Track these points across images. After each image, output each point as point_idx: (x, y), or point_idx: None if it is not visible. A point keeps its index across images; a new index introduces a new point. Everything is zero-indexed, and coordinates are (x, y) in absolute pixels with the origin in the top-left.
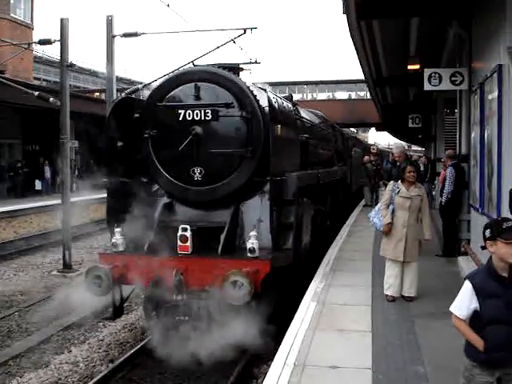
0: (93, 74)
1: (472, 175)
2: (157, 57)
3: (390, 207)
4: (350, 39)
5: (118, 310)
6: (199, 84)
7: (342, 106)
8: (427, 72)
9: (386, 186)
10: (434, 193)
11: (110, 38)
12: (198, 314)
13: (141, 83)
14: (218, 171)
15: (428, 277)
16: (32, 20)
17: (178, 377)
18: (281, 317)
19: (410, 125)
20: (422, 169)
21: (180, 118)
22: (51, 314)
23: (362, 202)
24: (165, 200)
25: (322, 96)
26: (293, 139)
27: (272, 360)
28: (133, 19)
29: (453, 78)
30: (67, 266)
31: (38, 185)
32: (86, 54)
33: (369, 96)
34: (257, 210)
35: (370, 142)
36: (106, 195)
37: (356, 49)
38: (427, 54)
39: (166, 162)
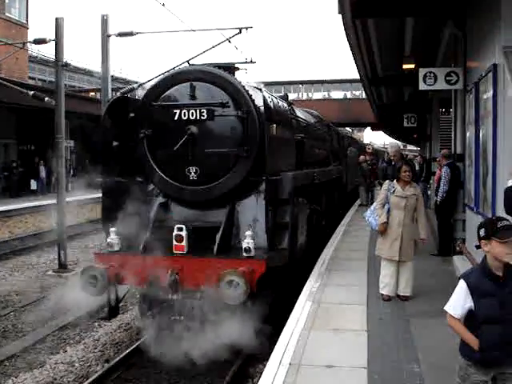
0: (88, 73)
1: (467, 175)
2: (152, 56)
3: (386, 207)
4: (346, 39)
5: (113, 310)
6: (194, 83)
7: (338, 106)
8: (422, 71)
9: (381, 185)
10: (429, 192)
11: (105, 37)
12: (194, 313)
13: (136, 83)
14: (214, 171)
15: (423, 276)
16: (27, 19)
17: (173, 376)
18: (276, 316)
19: (406, 124)
20: (417, 168)
21: (175, 118)
22: (46, 314)
23: (358, 202)
24: (160, 200)
25: (317, 95)
26: (288, 139)
27: (268, 359)
28: (128, 19)
29: (448, 78)
30: (62, 266)
31: (33, 184)
32: (82, 53)
33: (364, 95)
34: (252, 210)
35: (366, 141)
36: (101, 195)
37: (351, 48)
38: (422, 54)
39: (162, 162)
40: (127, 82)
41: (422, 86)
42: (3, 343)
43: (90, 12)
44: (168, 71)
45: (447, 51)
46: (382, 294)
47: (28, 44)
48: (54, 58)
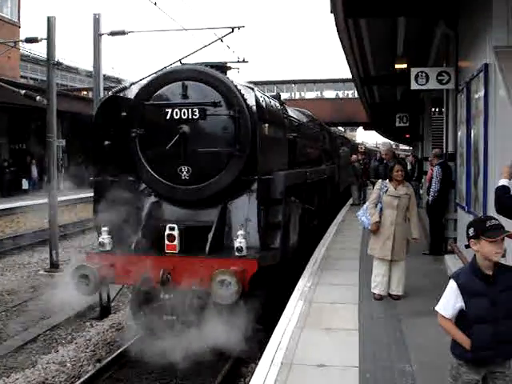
0: (80, 72)
1: (458, 174)
2: (144, 55)
3: (378, 206)
4: (338, 38)
5: (105, 310)
6: (186, 83)
7: (330, 105)
8: (414, 71)
9: (373, 184)
10: (421, 192)
11: (97, 36)
12: (185, 313)
13: (128, 81)
14: (206, 170)
15: (415, 275)
16: (19, 18)
17: (165, 376)
18: (268, 316)
19: (398, 124)
20: (409, 168)
21: (167, 117)
22: (38, 313)
23: (350, 201)
24: (152, 199)
25: (310, 95)
26: (280, 138)
27: (260, 359)
28: (120, 18)
29: (439, 77)
30: (54, 266)
31: (25, 184)
32: (74, 52)
33: (357, 95)
34: (244, 209)
35: (358, 141)
36: (92, 194)
37: (344, 48)
38: (414, 54)
39: (154, 161)
40: (119, 81)
41: (414, 86)
42: None
43: (81, 11)
44: (160, 70)
45: (439, 51)
46: (374, 294)
47: (20, 43)
48: (45, 56)
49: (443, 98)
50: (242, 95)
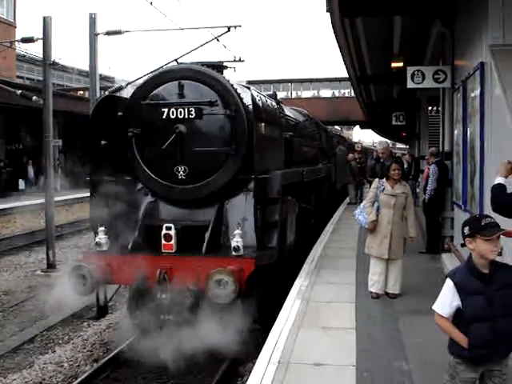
0: (77, 72)
1: (455, 173)
2: (141, 55)
3: (375, 205)
4: (334, 37)
5: (102, 310)
6: (183, 82)
7: (327, 104)
8: (410, 70)
9: (369, 183)
10: (417, 190)
11: (93, 36)
12: (183, 312)
13: (125, 81)
14: (202, 169)
15: (412, 274)
16: (15, 18)
17: (162, 376)
18: (265, 315)
19: (394, 122)
20: (405, 166)
21: (164, 116)
22: (35, 314)
23: (347, 200)
24: (149, 199)
25: (306, 94)
26: (277, 137)
27: (257, 358)
28: (116, 17)
29: (436, 76)
30: (51, 266)
31: (22, 184)
32: (70, 52)
33: (353, 94)
34: (241, 209)
35: (355, 139)
36: (89, 194)
37: (340, 47)
38: (411, 52)
39: (150, 161)
40: (113, 81)
41: (410, 85)
42: None
43: (77, 11)
44: (156, 70)
45: (435, 50)
46: (371, 292)
47: (16, 43)
48: (42, 56)
49: (439, 96)
50: (239, 94)
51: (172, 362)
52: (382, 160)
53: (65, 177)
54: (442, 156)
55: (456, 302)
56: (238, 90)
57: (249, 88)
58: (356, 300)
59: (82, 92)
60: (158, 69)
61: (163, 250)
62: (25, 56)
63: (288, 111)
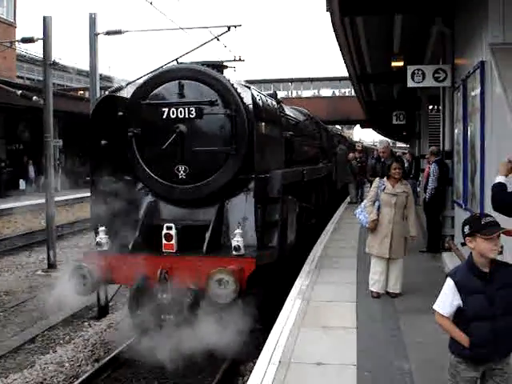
0: (77, 72)
1: (455, 171)
2: (141, 55)
3: (376, 204)
4: (334, 37)
5: (102, 310)
6: (183, 82)
7: (327, 104)
8: (410, 69)
9: (370, 182)
10: (418, 189)
11: (93, 35)
12: (183, 312)
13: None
14: (203, 169)
15: (412, 273)
16: (15, 18)
17: (163, 375)
18: (266, 314)
19: (395, 122)
20: (406, 165)
21: (164, 116)
22: (36, 313)
23: (348, 199)
24: (149, 198)
25: (306, 93)
26: (277, 137)
27: (258, 357)
28: (116, 17)
29: (436, 75)
30: (52, 266)
31: (22, 184)
32: (70, 52)
33: (353, 93)
34: (242, 208)
35: (355, 139)
36: (89, 194)
37: (340, 46)
38: (411, 51)
39: (151, 161)
40: (110, 79)
41: (411, 84)
42: None
43: (78, 11)
44: (157, 69)
45: (435, 49)
46: (372, 291)
47: (16, 43)
48: (42, 56)
49: (440, 95)
50: (239, 94)
51: (173, 361)
52: (382, 159)
53: (65, 177)
54: (443, 155)
55: (457, 301)
56: (239, 90)
57: (249, 87)
58: (357, 299)
59: (82, 92)
60: (158, 68)
61: (164, 250)
62: (25, 56)
63: (288, 111)
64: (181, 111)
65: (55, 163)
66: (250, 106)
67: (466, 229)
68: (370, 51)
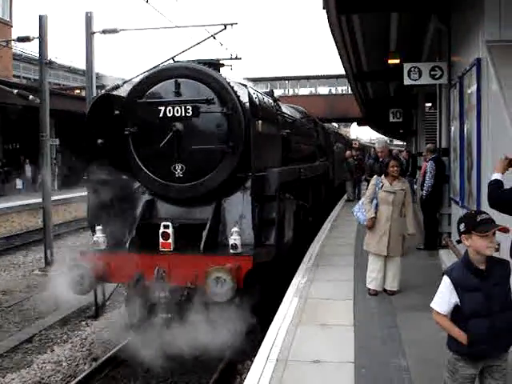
0: (73, 71)
1: (452, 169)
2: (137, 53)
3: (374, 202)
4: (331, 34)
5: (100, 309)
6: (179, 80)
7: (324, 101)
8: (407, 66)
9: (368, 182)
10: (415, 187)
11: (89, 34)
12: (181, 310)
13: (121, 80)
14: (200, 168)
15: (410, 270)
16: (11, 17)
17: (161, 374)
18: (264, 312)
19: (391, 119)
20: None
21: (160, 115)
22: (33, 313)
23: (345, 197)
24: (146, 197)
25: (303, 91)
26: (274, 135)
27: (255, 355)
28: (112, 16)
29: (432, 72)
30: (49, 265)
31: (19, 183)
32: (67, 51)
33: (350, 91)
34: (239, 206)
35: (352, 136)
36: (86, 193)
37: (336, 44)
38: (408, 49)
39: (147, 159)
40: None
41: (407, 81)
42: None
43: (73, 9)
44: (153, 68)
45: (432, 46)
46: (369, 289)
47: (12, 42)
48: (38, 55)
49: (436, 92)
50: (235, 92)
51: (170, 360)
52: (380, 159)
53: (62, 176)
54: (439, 152)
55: (454, 298)
56: (235, 88)
57: (245, 86)
58: (354, 297)
59: (78, 91)
60: (155, 67)
61: (161, 249)
62: (21, 55)
63: (285, 109)
64: (177, 110)
65: (52, 162)
66: (247, 105)
67: (462, 226)
68: (366, 49)
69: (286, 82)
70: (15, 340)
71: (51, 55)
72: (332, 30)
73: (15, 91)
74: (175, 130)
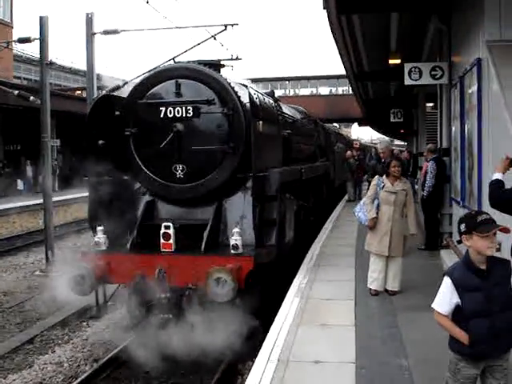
0: (74, 72)
1: (453, 169)
2: (138, 54)
3: (375, 202)
4: (331, 35)
5: (101, 309)
6: (180, 81)
7: (325, 102)
8: (407, 66)
9: (369, 183)
10: (416, 187)
11: (90, 35)
12: (181, 311)
13: (122, 80)
14: (200, 168)
15: (411, 270)
16: (11, 18)
17: (162, 375)
18: (265, 313)
19: (392, 119)
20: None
21: (161, 115)
22: (34, 314)
23: (346, 197)
24: (147, 198)
25: (304, 92)
26: (275, 135)
27: (257, 356)
28: (113, 17)
29: (433, 72)
30: (50, 266)
31: (20, 184)
32: (68, 51)
33: (351, 91)
34: (240, 207)
35: (353, 137)
36: (87, 194)
37: (337, 44)
38: (408, 49)
39: (148, 160)
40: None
41: (408, 81)
42: None
43: (74, 10)
44: (153, 69)
45: (432, 46)
46: (370, 289)
47: (13, 43)
48: (38, 56)
49: (437, 92)
50: (236, 93)
51: (171, 360)
52: (383, 160)
53: (63, 177)
54: (440, 152)
55: (455, 299)
56: (236, 89)
57: (246, 86)
58: (355, 297)
59: (79, 92)
60: (156, 68)
61: (162, 249)
62: (22, 56)
63: (286, 109)
64: (178, 110)
65: (53, 163)
66: (248, 105)
67: (462, 227)
68: (367, 49)
69: (287, 82)
70: (16, 341)
71: (52, 56)
72: (332, 30)
73: (16, 92)
74: (176, 130)
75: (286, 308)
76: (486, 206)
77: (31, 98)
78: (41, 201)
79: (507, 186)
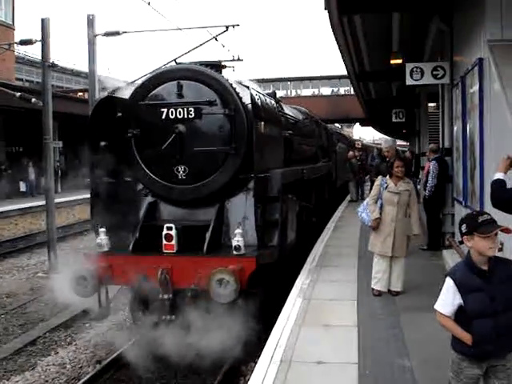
0: (76, 73)
1: (455, 169)
2: (139, 56)
3: (379, 202)
4: (333, 35)
5: (104, 311)
6: (182, 82)
7: (326, 102)
8: (409, 66)
9: (372, 182)
10: (418, 187)
11: (92, 37)
12: (184, 312)
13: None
14: (202, 169)
15: (413, 271)
16: (13, 20)
17: (165, 376)
18: (267, 313)
19: (394, 119)
20: None
21: (163, 117)
22: (37, 315)
23: (348, 198)
24: (149, 199)
25: (306, 92)
26: (276, 136)
27: (259, 357)
28: (114, 19)
29: (434, 72)
30: (52, 268)
31: (23, 186)
32: (69, 53)
33: (352, 91)
34: (242, 208)
35: (355, 137)
36: (89, 195)
37: (338, 45)
38: (410, 49)
39: (150, 161)
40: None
41: (409, 81)
42: None
43: (76, 12)
44: (155, 70)
45: (434, 46)
46: (373, 289)
47: (15, 45)
48: (40, 58)
49: (439, 92)
50: (238, 94)
51: (174, 362)
52: (387, 159)
53: (65, 178)
54: (442, 152)
55: (457, 300)
56: (237, 90)
57: (248, 87)
58: (358, 298)
59: (81, 93)
60: (157, 69)
61: (164, 250)
62: (24, 58)
63: (287, 110)
64: (180, 111)
65: (55, 165)
66: (249, 106)
67: (463, 227)
68: (368, 49)
69: (289, 82)
70: (19, 342)
71: (54, 58)
72: (334, 31)
73: (18, 94)
74: (177, 131)
75: (289, 308)
76: (488, 206)
77: (33, 99)
78: (43, 202)
79: (509, 186)
